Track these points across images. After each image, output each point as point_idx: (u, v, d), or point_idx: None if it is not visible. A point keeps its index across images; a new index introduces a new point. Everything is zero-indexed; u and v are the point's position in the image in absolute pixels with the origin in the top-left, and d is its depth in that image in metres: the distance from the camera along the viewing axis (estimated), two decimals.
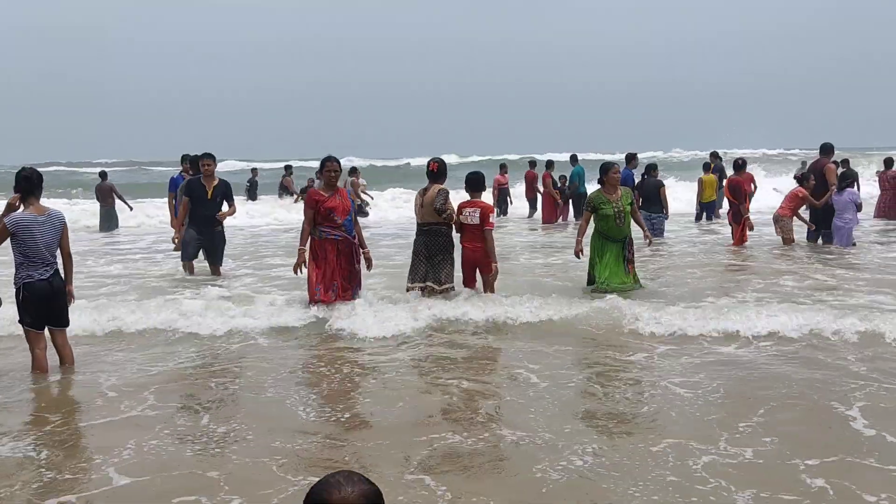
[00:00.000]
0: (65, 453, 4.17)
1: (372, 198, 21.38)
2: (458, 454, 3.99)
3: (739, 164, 12.17)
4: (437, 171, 7.45)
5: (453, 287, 7.44)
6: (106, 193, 17.48)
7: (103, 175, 18.09)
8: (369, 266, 7.54)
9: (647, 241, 8.56)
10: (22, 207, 5.57)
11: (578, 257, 8.21)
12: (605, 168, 8.12)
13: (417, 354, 6.06)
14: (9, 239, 5.51)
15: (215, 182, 8.89)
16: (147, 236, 15.62)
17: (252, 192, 22.52)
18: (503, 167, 20.19)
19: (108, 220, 17.58)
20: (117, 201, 17.52)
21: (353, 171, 20.45)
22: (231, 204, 9.10)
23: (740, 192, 11.72)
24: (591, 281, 8.14)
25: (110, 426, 4.59)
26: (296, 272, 7.31)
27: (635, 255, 8.25)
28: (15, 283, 5.58)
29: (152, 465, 3.96)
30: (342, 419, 4.59)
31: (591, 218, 8.07)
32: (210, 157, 8.87)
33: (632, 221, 8.12)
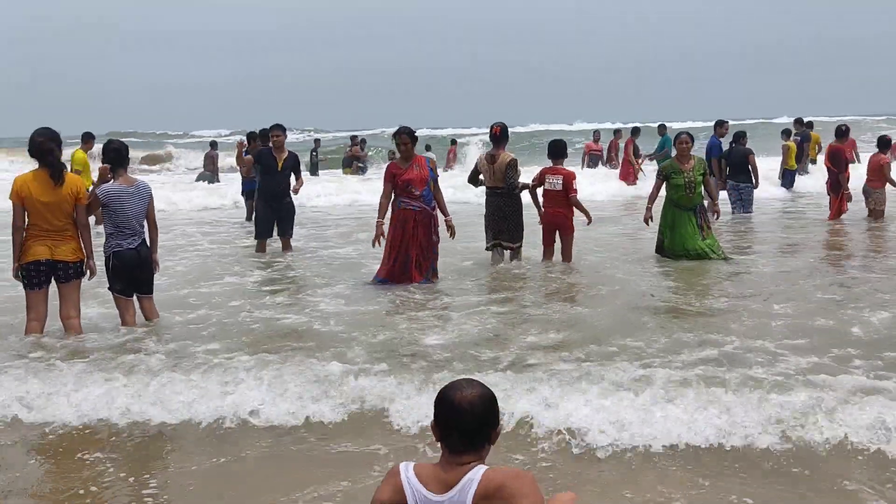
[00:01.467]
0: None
1: None
2: None
3: (843, 131, 11.34)
4: (499, 135, 7.72)
5: (521, 245, 7.85)
6: (209, 161, 20.39)
7: (213, 144, 21.13)
8: (452, 234, 7.50)
9: (716, 214, 8.47)
10: (112, 179, 5.72)
11: (647, 224, 8.30)
12: (675, 138, 8.33)
13: None
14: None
15: (285, 154, 8.88)
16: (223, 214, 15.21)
17: (314, 168, 21.68)
18: (596, 133, 21.68)
19: (209, 179, 19.70)
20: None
21: (453, 142, 20.46)
22: (298, 177, 9.11)
23: (841, 160, 10.94)
24: (660, 248, 8.23)
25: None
26: (374, 245, 7.31)
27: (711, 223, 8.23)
28: (105, 252, 5.68)
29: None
30: None
31: (663, 186, 8.13)
32: (280, 129, 8.84)
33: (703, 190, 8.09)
